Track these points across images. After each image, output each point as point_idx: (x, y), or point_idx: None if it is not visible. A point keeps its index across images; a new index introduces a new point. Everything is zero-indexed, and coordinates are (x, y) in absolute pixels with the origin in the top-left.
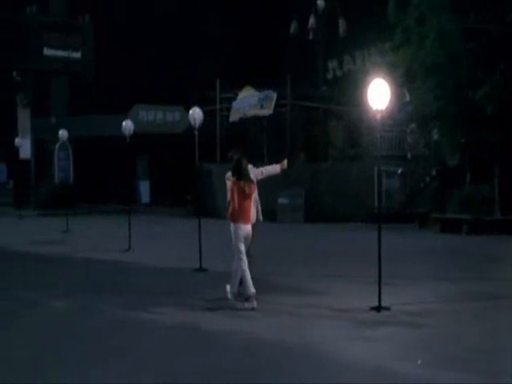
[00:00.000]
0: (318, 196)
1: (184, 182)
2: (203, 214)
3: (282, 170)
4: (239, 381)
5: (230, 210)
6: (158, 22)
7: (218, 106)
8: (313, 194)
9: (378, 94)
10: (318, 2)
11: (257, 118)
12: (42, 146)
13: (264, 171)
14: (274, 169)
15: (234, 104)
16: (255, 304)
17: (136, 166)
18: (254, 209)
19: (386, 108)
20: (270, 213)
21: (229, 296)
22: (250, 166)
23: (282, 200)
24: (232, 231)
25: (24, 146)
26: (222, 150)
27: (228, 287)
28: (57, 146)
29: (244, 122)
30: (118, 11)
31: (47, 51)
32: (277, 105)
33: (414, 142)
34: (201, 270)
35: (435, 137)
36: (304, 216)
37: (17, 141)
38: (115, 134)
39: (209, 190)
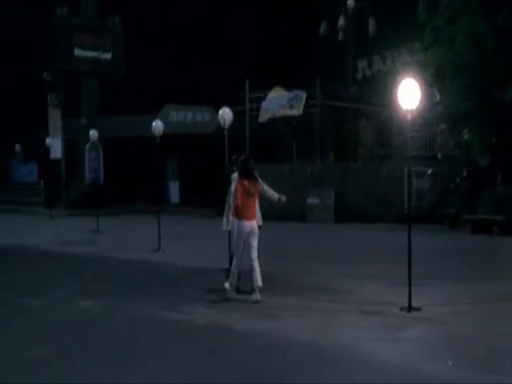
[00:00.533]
0: (347, 196)
1: (213, 182)
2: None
3: (311, 174)
4: (269, 380)
5: (234, 207)
6: (188, 23)
7: (247, 107)
8: (342, 194)
9: (408, 94)
10: (348, 2)
11: (286, 118)
12: (73, 146)
13: (266, 189)
14: (273, 195)
15: (264, 104)
16: (259, 297)
17: (165, 167)
18: (258, 212)
19: (416, 108)
20: (299, 213)
21: (227, 289)
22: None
23: (311, 200)
24: (235, 228)
25: (55, 146)
26: (252, 150)
27: (226, 284)
28: (87, 146)
29: (273, 122)
30: (148, 12)
31: (78, 52)
32: (306, 105)
33: (444, 142)
34: (229, 269)
35: (465, 137)
36: (334, 216)
37: (48, 141)
38: (145, 135)
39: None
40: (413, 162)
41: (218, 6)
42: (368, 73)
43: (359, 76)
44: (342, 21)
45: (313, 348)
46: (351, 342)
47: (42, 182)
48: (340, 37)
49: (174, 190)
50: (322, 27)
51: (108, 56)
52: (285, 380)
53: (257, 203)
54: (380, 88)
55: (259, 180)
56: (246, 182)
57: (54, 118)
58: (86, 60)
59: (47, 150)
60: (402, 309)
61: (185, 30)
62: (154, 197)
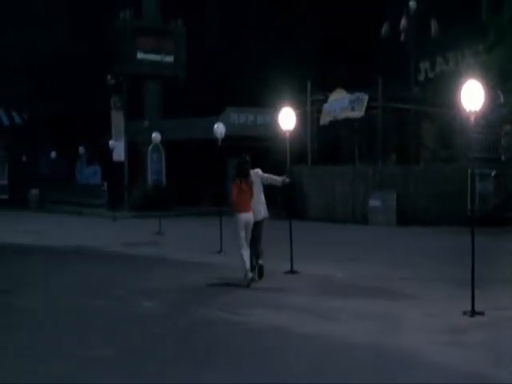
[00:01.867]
0: (409, 198)
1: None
2: (294, 217)
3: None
4: (336, 381)
5: (231, 202)
6: (249, 25)
7: (308, 109)
8: (404, 196)
9: (471, 96)
10: (410, 3)
11: (348, 121)
12: (135, 149)
13: (268, 178)
14: (277, 180)
15: (325, 106)
16: (249, 283)
17: (227, 169)
18: (261, 205)
19: (480, 110)
20: (361, 215)
21: (248, 276)
22: (257, 170)
23: (373, 202)
24: (234, 220)
25: (118, 149)
26: (313, 152)
27: (250, 274)
28: (149, 148)
29: (335, 124)
30: (209, 15)
31: (140, 55)
32: (368, 107)
33: (509, 144)
34: (292, 272)
35: None
36: (396, 218)
37: (111, 143)
38: (207, 137)
39: (300, 193)
40: (476, 163)
41: (279, 8)
42: (430, 74)
43: (421, 77)
44: (404, 22)
45: (375, 350)
46: (413, 345)
47: (105, 183)
48: (402, 38)
49: None
50: (384, 29)
51: (170, 59)
52: (351, 381)
53: (262, 198)
54: (443, 89)
55: (251, 180)
56: (240, 181)
57: (117, 120)
58: (148, 63)
59: (110, 153)
60: (464, 312)
61: (246, 32)
62: (216, 199)
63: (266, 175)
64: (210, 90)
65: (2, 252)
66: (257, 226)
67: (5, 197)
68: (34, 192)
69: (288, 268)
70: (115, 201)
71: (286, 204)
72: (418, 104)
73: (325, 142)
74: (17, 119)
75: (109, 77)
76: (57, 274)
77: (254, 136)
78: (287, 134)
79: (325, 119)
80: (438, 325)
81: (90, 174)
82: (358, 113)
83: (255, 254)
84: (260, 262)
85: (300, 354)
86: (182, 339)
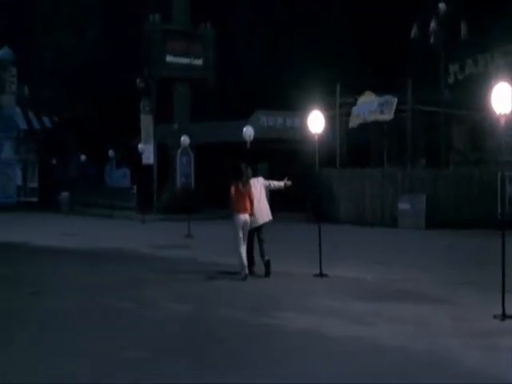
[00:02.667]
0: (439, 201)
1: (304, 187)
2: (323, 220)
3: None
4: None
5: (231, 203)
6: (278, 28)
7: (337, 112)
8: (434, 200)
9: (502, 98)
10: (440, 6)
11: (377, 123)
12: (164, 152)
13: (271, 184)
14: (279, 184)
15: (354, 109)
16: (244, 277)
17: (256, 172)
18: (264, 210)
19: (510, 112)
20: (390, 218)
21: (245, 271)
22: (260, 178)
23: (402, 205)
24: (232, 220)
25: (147, 152)
26: (342, 155)
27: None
28: (178, 151)
29: (364, 127)
30: (239, 18)
31: (170, 58)
32: (397, 110)
33: None
34: (321, 275)
35: None
36: (425, 222)
37: (140, 146)
38: (236, 140)
39: (329, 196)
40: (507, 167)
41: (307, 12)
42: (460, 76)
43: (451, 80)
44: (433, 24)
45: (405, 354)
46: (443, 349)
47: (135, 186)
48: (431, 40)
49: None
50: (413, 31)
51: (199, 62)
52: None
53: (265, 203)
54: (473, 92)
55: (250, 184)
56: (239, 184)
57: (147, 123)
58: (177, 66)
59: (139, 156)
60: (495, 316)
61: (275, 35)
62: None
63: (268, 182)
64: (239, 92)
65: (35, 254)
66: (261, 228)
67: (35, 199)
68: (64, 195)
69: (317, 271)
70: (144, 203)
71: (315, 207)
72: (448, 107)
73: (354, 145)
74: (47, 123)
75: (138, 80)
76: (88, 275)
77: (282, 139)
78: (316, 137)
79: (354, 122)
80: (468, 328)
81: (120, 177)
82: (387, 115)
83: (260, 252)
84: (266, 257)
85: (329, 356)
86: (214, 341)
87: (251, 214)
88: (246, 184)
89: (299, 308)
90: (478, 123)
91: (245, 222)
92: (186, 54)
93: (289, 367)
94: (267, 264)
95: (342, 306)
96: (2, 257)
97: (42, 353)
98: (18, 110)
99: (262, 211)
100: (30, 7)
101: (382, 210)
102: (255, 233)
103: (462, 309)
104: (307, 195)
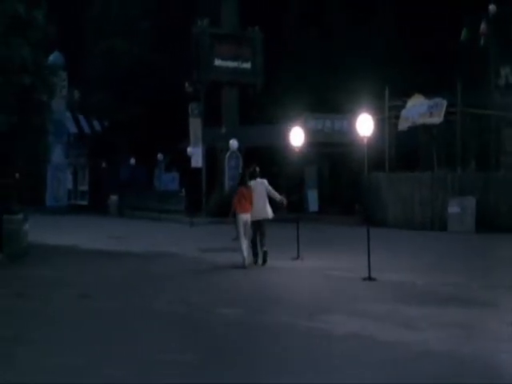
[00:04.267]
0: (489, 205)
1: (352, 190)
2: (372, 223)
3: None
4: None
5: (235, 204)
6: (327, 31)
7: (386, 114)
8: (484, 203)
9: None
10: (490, 7)
11: (426, 126)
12: (213, 155)
13: (271, 191)
14: (276, 196)
15: (403, 112)
16: (244, 266)
17: (304, 175)
18: (263, 207)
19: None
20: (439, 222)
21: (246, 261)
22: (264, 180)
23: (452, 209)
24: (236, 219)
25: (195, 155)
26: (391, 158)
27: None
28: (227, 154)
29: (413, 130)
30: (287, 21)
31: (218, 62)
32: (447, 112)
33: None
34: (370, 279)
35: None
36: (475, 225)
37: (189, 150)
38: (284, 143)
39: (378, 199)
40: None
41: (357, 14)
42: (511, 79)
43: (502, 82)
44: (483, 26)
45: (454, 359)
46: (493, 355)
47: (183, 190)
48: (481, 42)
49: (312, 198)
50: (463, 33)
51: (248, 66)
52: None
53: (265, 201)
54: None
55: (251, 187)
56: (243, 188)
57: (195, 127)
58: (226, 70)
59: (188, 159)
60: None
61: (324, 39)
62: (293, 205)
63: (269, 187)
64: (287, 96)
65: (84, 256)
66: (260, 223)
67: (85, 203)
68: (114, 198)
69: (366, 275)
70: (193, 207)
71: (364, 211)
72: (499, 109)
73: (403, 149)
74: (97, 127)
75: (187, 84)
76: (136, 278)
77: (331, 142)
78: (365, 140)
79: (403, 125)
80: None
81: (169, 181)
82: (437, 118)
83: (260, 244)
84: (264, 248)
85: (378, 361)
86: (261, 345)
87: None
88: (248, 187)
89: (348, 311)
90: None
91: (246, 221)
92: (234, 58)
93: (337, 371)
94: (265, 254)
95: (391, 310)
96: (53, 260)
97: (93, 354)
98: (68, 114)
99: (261, 209)
100: (80, 12)
101: (431, 214)
102: (257, 228)
103: (511, 314)
104: (356, 199)
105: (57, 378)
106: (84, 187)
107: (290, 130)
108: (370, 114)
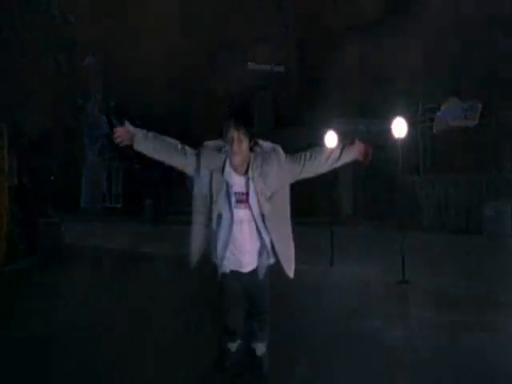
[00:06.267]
0: None
1: (387, 194)
2: (406, 227)
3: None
4: None
5: None
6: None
7: (421, 117)
8: None
9: None
10: None
11: (461, 129)
12: None
13: None
14: None
15: (438, 115)
16: None
17: (337, 179)
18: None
19: None
20: (474, 225)
21: None
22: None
23: (488, 212)
24: None
25: None
26: (426, 161)
27: None
28: None
29: (448, 133)
30: (321, 23)
31: (251, 65)
32: (482, 115)
33: None
34: (404, 282)
35: None
36: (511, 229)
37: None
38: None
39: (412, 203)
40: None
41: (390, 15)
42: None
43: None
44: None
45: (497, 366)
46: None
47: None
48: None
49: (346, 201)
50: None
51: (280, 69)
52: None
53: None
54: None
55: None
56: None
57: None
58: (259, 73)
59: None
60: None
61: (352, 42)
62: (327, 209)
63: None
64: (321, 99)
65: (132, 262)
66: None
67: (119, 205)
68: (149, 201)
69: (400, 278)
70: None
71: (398, 215)
72: None
73: (437, 152)
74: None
75: (220, 87)
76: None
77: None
78: (399, 143)
79: (437, 128)
80: None
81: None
82: (472, 121)
83: None
84: None
85: (423, 367)
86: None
87: None
88: None
89: (387, 317)
90: None
91: None
92: (267, 61)
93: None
94: None
95: (426, 315)
96: (89, 262)
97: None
98: (102, 117)
99: None
100: (116, 17)
101: (466, 217)
102: None
103: None
104: (390, 202)
105: None
106: (118, 190)
107: (324, 133)
108: (405, 117)
